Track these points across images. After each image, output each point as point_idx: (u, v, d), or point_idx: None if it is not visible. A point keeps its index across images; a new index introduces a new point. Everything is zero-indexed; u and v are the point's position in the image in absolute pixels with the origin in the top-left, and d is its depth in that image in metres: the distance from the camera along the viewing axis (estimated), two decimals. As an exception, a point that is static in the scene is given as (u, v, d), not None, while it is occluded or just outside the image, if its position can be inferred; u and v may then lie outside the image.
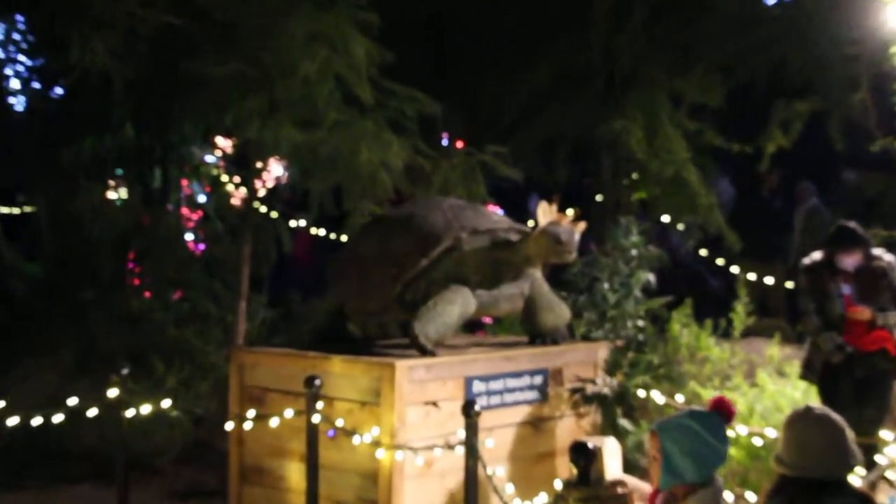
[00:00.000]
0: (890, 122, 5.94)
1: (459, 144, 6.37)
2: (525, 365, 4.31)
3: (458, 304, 4.10)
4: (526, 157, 6.63)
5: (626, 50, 6.45)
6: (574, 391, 4.44)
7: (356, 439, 3.83)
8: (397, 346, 4.38)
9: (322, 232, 6.76)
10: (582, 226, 4.16)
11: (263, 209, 6.12)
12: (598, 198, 6.75)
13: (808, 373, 4.72)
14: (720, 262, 6.72)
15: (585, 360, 4.54)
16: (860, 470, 3.40)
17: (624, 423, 4.47)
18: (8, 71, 7.39)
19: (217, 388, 5.56)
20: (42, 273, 7.27)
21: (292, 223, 6.50)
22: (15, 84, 7.49)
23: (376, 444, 3.79)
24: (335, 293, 4.51)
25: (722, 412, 3.02)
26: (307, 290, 6.55)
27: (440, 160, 5.66)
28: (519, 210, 6.23)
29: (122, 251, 6.69)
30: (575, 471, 3.73)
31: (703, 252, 6.79)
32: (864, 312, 4.46)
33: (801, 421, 2.79)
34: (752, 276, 6.28)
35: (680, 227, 6.61)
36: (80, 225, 6.39)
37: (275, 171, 6.15)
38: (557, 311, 4.47)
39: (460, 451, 3.74)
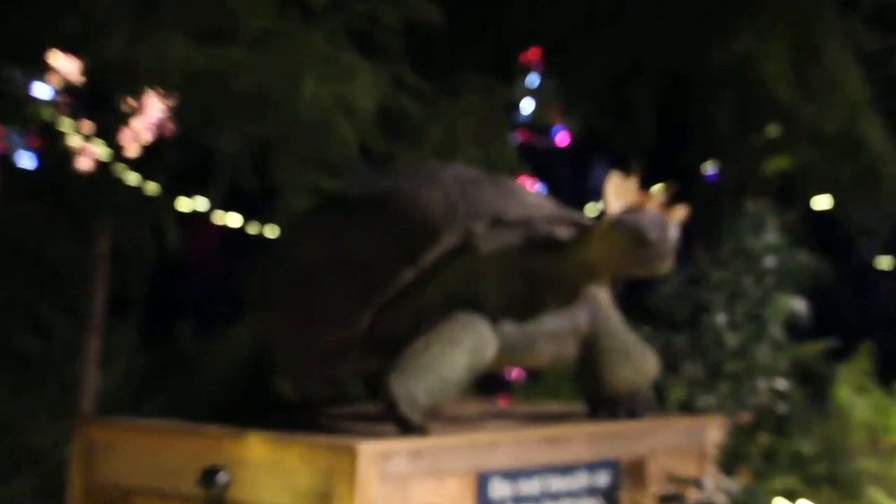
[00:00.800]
0: None
1: (474, 76, 6.33)
2: (581, 453, 4.32)
3: (467, 346, 4.14)
4: (586, 97, 6.57)
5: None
6: (665, 500, 4.43)
7: (288, 576, 3.83)
8: (361, 418, 4.40)
9: (235, 221, 6.72)
10: (681, 214, 4.20)
11: (133, 179, 6.10)
12: (708, 168, 6.68)
13: None
14: None
15: (685, 447, 4.58)
16: None
17: (752, 557, 4.47)
18: None
19: (47, 486, 5.58)
20: None
21: (184, 205, 6.47)
22: None
23: (322, 585, 3.78)
24: (256, 326, 4.52)
25: None
26: (207, 319, 6.57)
27: (440, 101, 5.73)
28: (573, 186, 6.17)
29: None
30: None
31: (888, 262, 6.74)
32: None
33: None
34: None
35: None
36: None
37: (154, 114, 6.07)
38: (637, 360, 4.51)
39: None
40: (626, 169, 4.22)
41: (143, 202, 6.09)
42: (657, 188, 4.32)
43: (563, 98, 5.91)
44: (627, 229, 4.10)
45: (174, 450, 4.23)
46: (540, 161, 6.76)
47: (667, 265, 4.18)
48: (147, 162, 6.14)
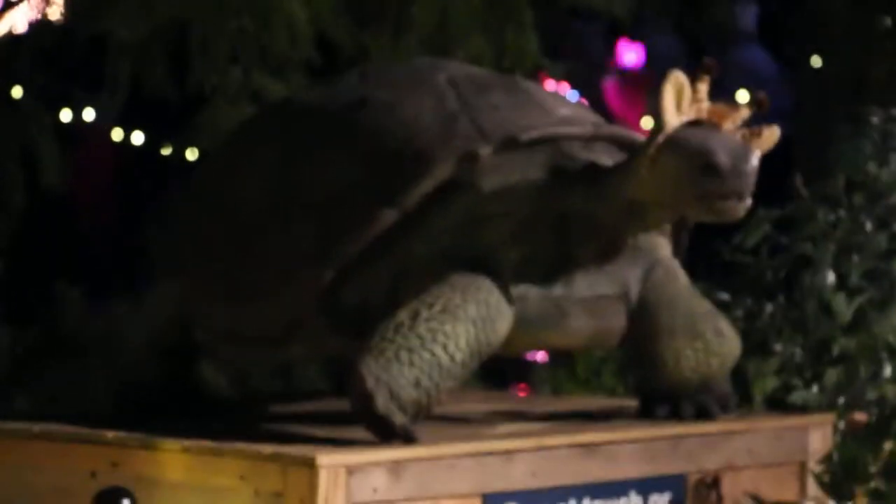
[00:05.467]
0: None
1: None
2: (630, 468, 3.95)
3: (470, 318, 3.77)
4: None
5: None
6: (749, 532, 4.23)
7: None
8: (321, 419, 4.08)
9: (139, 138, 6.14)
10: (771, 138, 3.76)
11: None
12: (813, 63, 6.05)
13: None
14: None
15: (776, 459, 4.20)
16: None
17: None
18: None
19: None
20: None
21: (64, 115, 5.90)
22: None
23: None
24: (171, 291, 4.20)
25: None
26: (101, 281, 6.19)
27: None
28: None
29: None
30: None
31: None
32: None
33: None
34: None
35: None
36: None
37: None
38: (709, 338, 4.08)
39: None
40: (693, 68, 3.77)
41: (5, 112, 5.55)
42: (737, 97, 4.02)
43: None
44: (686, 151, 3.61)
45: (58, 465, 3.85)
46: (567, 55, 6.55)
47: (742, 206, 3.67)
48: (10, 53, 5.63)
